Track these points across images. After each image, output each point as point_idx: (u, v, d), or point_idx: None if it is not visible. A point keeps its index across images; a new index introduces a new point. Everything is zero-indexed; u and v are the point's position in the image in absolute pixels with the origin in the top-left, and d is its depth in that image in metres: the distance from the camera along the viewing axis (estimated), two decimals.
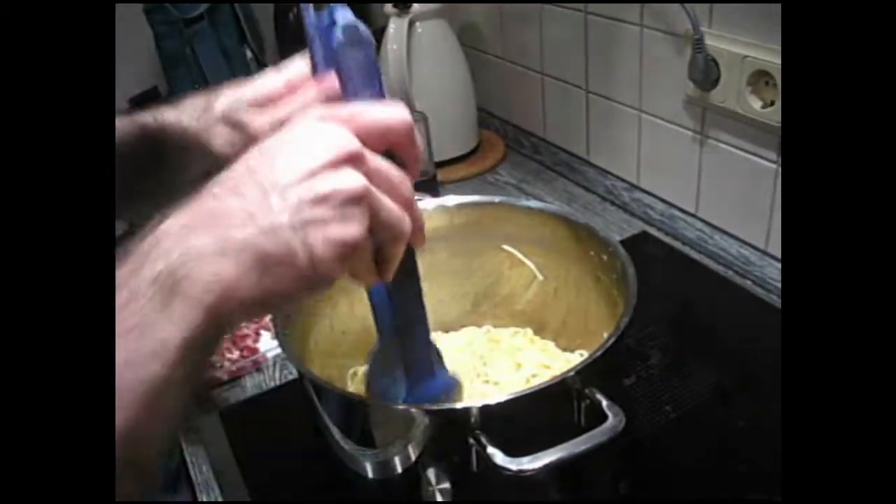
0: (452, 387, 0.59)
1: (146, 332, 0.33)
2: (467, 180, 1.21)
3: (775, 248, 0.87)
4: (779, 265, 0.87)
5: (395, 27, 1.15)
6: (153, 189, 0.57)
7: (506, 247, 0.74)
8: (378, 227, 0.40)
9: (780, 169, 0.83)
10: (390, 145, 0.42)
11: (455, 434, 0.51)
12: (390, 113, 0.41)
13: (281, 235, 0.36)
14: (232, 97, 0.56)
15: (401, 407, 0.54)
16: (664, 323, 0.85)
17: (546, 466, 0.47)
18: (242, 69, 1.40)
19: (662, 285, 0.92)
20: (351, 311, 0.69)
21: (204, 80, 1.35)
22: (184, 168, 0.56)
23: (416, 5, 1.15)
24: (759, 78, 0.80)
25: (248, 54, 1.42)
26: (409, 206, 0.42)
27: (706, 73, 0.85)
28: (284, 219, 0.36)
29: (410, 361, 0.54)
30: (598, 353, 0.53)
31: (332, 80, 0.47)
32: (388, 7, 1.15)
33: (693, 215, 0.98)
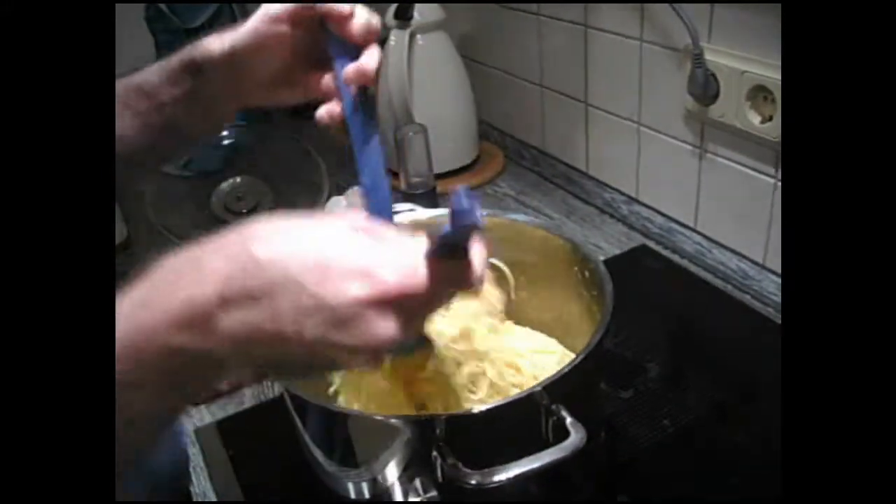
0: None
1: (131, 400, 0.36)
2: None
3: (773, 263, 0.87)
4: (777, 279, 0.87)
5: (396, 39, 1.16)
6: (188, 124, 0.60)
7: (492, 260, 0.73)
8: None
9: (778, 183, 0.83)
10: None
11: (424, 446, 0.51)
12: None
13: (284, 372, 0.40)
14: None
15: (378, 418, 0.55)
16: (662, 336, 0.85)
17: (506, 481, 0.47)
18: None
19: (661, 299, 0.92)
20: None
21: None
22: (212, 87, 0.58)
23: (416, 17, 1.15)
24: (757, 93, 0.81)
25: None
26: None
27: (705, 87, 0.85)
28: (298, 362, 0.39)
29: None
30: (566, 370, 0.53)
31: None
32: (390, 19, 1.16)
33: (692, 229, 0.99)
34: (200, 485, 0.72)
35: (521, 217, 0.73)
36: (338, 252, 0.37)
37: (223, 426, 0.77)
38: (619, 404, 0.75)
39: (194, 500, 0.70)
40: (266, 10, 0.55)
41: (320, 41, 0.55)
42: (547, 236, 0.70)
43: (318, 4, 0.53)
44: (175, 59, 0.57)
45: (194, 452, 0.75)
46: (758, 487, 0.64)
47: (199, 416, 0.80)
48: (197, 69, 0.57)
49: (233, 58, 0.56)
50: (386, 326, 0.37)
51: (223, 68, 0.56)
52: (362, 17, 0.52)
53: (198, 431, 0.77)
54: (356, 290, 0.36)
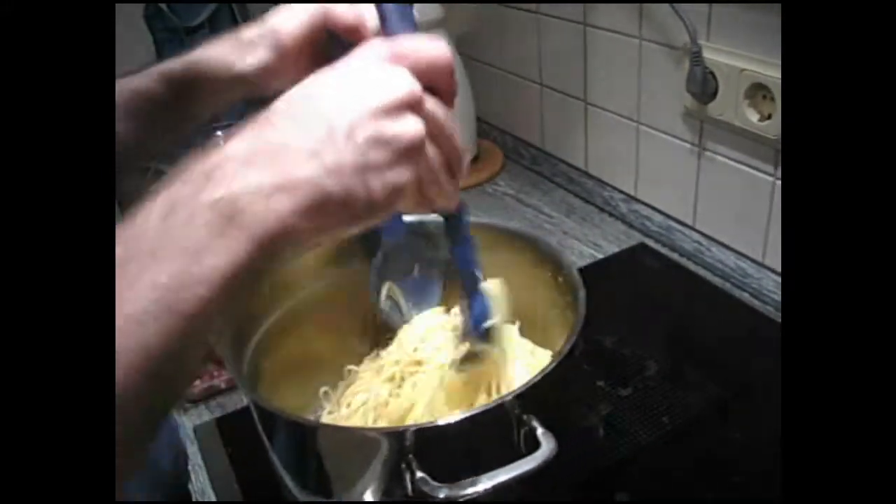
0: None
1: (200, 257, 0.33)
2: (465, 191, 1.22)
3: (772, 260, 0.87)
4: (775, 277, 0.87)
5: None
6: (182, 126, 0.59)
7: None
8: (425, 169, 0.41)
9: (776, 181, 0.83)
10: (433, 80, 0.41)
11: (393, 459, 0.49)
12: (437, 48, 0.42)
13: (344, 177, 0.36)
14: (262, 26, 0.55)
15: (349, 430, 0.56)
16: (661, 334, 0.85)
17: (475, 494, 0.46)
18: None
19: (659, 297, 0.92)
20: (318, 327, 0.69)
21: None
22: (214, 100, 0.57)
23: (415, 15, 1.15)
24: (756, 91, 0.81)
25: None
26: (453, 143, 0.43)
27: (704, 85, 0.86)
28: (349, 159, 0.36)
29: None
30: (537, 379, 0.51)
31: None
32: None
33: (690, 227, 0.99)
34: (199, 483, 0.72)
35: (497, 223, 0.71)
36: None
37: (222, 424, 0.77)
38: (618, 402, 0.75)
39: (193, 498, 0.70)
40: (277, 39, 0.53)
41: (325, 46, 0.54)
42: (522, 242, 0.68)
43: (331, 21, 0.52)
44: (178, 70, 0.56)
45: (193, 450, 0.75)
46: (757, 485, 0.64)
47: (198, 414, 0.80)
48: (199, 86, 0.56)
49: (239, 81, 0.55)
50: (397, 75, 0.39)
51: (227, 86, 0.56)
52: (370, 22, 0.51)
53: (197, 429, 0.77)
54: (351, 54, 0.40)
